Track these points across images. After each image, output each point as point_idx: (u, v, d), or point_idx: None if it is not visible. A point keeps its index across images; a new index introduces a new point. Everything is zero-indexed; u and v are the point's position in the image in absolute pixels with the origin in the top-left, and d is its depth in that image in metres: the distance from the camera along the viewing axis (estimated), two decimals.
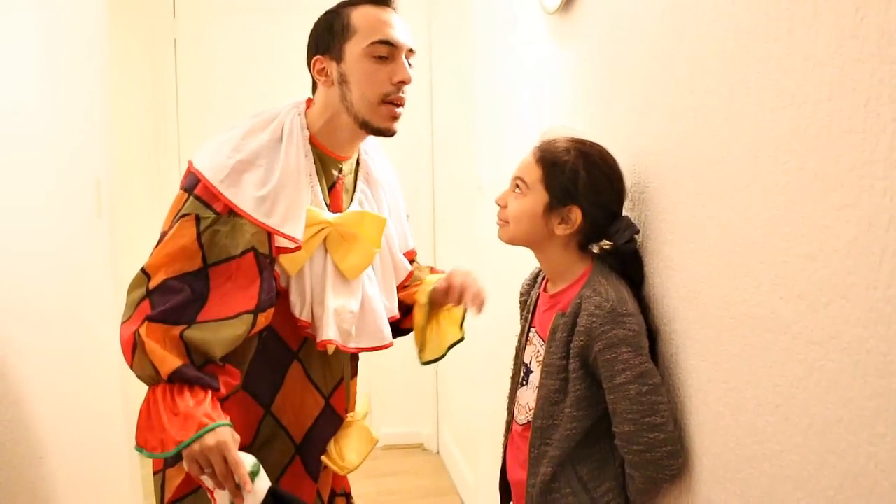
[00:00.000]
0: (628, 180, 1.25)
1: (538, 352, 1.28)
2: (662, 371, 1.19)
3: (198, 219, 1.23)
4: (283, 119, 1.32)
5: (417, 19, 3.39)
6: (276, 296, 1.29)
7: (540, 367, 1.25)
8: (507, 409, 1.38)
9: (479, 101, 2.43)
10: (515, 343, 1.40)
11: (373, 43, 1.28)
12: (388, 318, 1.44)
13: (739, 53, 0.97)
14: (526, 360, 1.33)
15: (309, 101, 1.38)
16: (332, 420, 1.44)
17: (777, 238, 0.90)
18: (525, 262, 1.43)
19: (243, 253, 1.24)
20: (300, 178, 1.29)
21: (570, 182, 1.19)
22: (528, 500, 1.26)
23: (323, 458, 1.42)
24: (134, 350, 1.19)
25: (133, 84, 3.25)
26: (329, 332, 1.32)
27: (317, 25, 1.36)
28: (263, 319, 1.27)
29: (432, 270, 1.64)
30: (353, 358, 1.50)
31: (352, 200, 1.42)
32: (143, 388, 1.24)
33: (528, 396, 1.29)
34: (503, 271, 1.94)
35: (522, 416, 1.31)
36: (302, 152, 1.31)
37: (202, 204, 1.24)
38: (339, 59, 1.31)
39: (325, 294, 1.33)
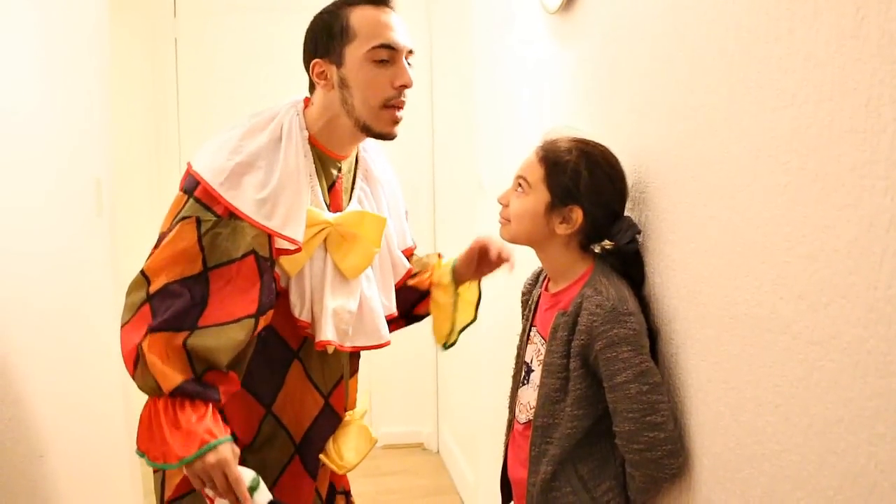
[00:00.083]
0: (629, 180, 1.25)
1: (539, 351, 1.28)
2: (663, 371, 1.19)
3: (198, 221, 1.23)
4: (282, 119, 1.32)
5: (417, 19, 3.39)
6: (276, 296, 1.30)
7: (541, 366, 1.25)
8: (509, 407, 1.38)
9: (480, 101, 2.43)
10: (516, 342, 1.40)
11: (374, 47, 1.27)
12: (386, 316, 1.44)
13: (740, 53, 0.97)
14: (527, 360, 1.33)
15: (307, 101, 1.38)
16: (331, 419, 1.44)
17: (778, 238, 0.90)
18: (527, 261, 1.43)
19: (244, 256, 1.24)
20: (300, 179, 1.29)
21: (571, 182, 1.20)
22: (529, 498, 1.26)
23: (321, 456, 1.43)
24: (136, 363, 1.19)
25: (134, 83, 3.25)
26: (327, 333, 1.32)
27: (314, 26, 1.34)
28: (263, 321, 1.27)
29: (439, 256, 1.65)
30: (354, 356, 1.50)
31: (351, 199, 1.42)
32: None
33: (530, 395, 1.29)
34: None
35: (523, 415, 1.31)
36: (301, 153, 1.30)
37: (202, 206, 1.24)
38: (339, 63, 1.30)
39: (324, 294, 1.33)
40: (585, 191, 1.20)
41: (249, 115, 1.34)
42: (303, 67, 1.37)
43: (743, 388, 0.99)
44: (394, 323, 1.55)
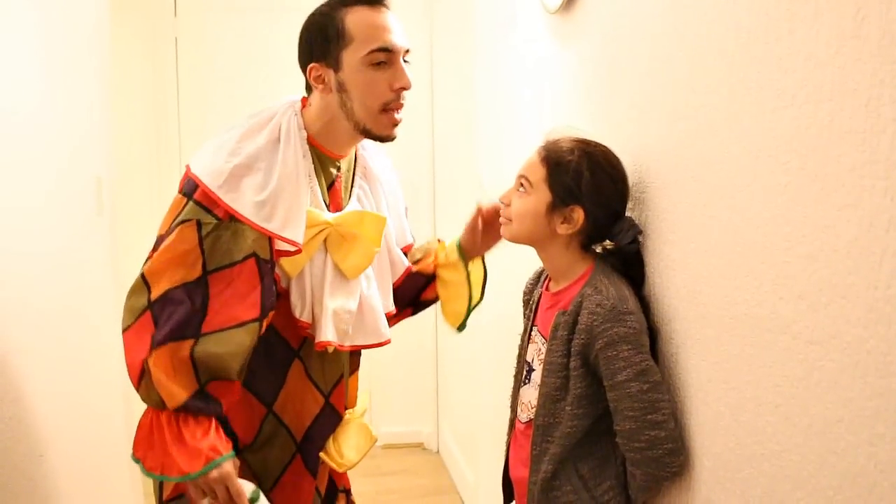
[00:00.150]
0: (629, 180, 1.25)
1: (540, 350, 1.28)
2: (663, 370, 1.19)
3: (199, 224, 1.23)
4: (280, 120, 1.31)
5: (418, 18, 3.39)
6: (277, 297, 1.30)
7: (541, 365, 1.25)
8: (510, 407, 1.39)
9: (480, 101, 2.43)
10: (515, 342, 1.40)
11: (371, 51, 1.26)
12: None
13: (740, 53, 0.97)
14: (528, 359, 1.33)
15: (304, 100, 1.37)
16: (331, 418, 1.44)
17: (777, 238, 0.90)
18: (528, 261, 1.43)
19: (245, 258, 1.24)
20: (299, 180, 1.28)
21: (573, 182, 1.20)
22: (530, 497, 1.26)
23: (321, 454, 1.43)
24: (141, 378, 1.21)
25: (134, 83, 3.25)
26: (327, 334, 1.32)
27: (308, 28, 1.32)
28: (265, 323, 1.27)
29: (440, 241, 1.64)
30: (354, 354, 1.50)
31: (350, 197, 1.42)
32: None
33: (531, 394, 1.29)
34: (505, 270, 1.94)
35: (525, 415, 1.32)
36: (300, 153, 1.30)
37: (203, 209, 1.24)
38: (336, 67, 1.28)
39: (323, 294, 1.33)
40: (587, 191, 1.20)
41: (247, 115, 1.34)
42: None
43: (743, 387, 0.99)
44: (401, 313, 1.56)
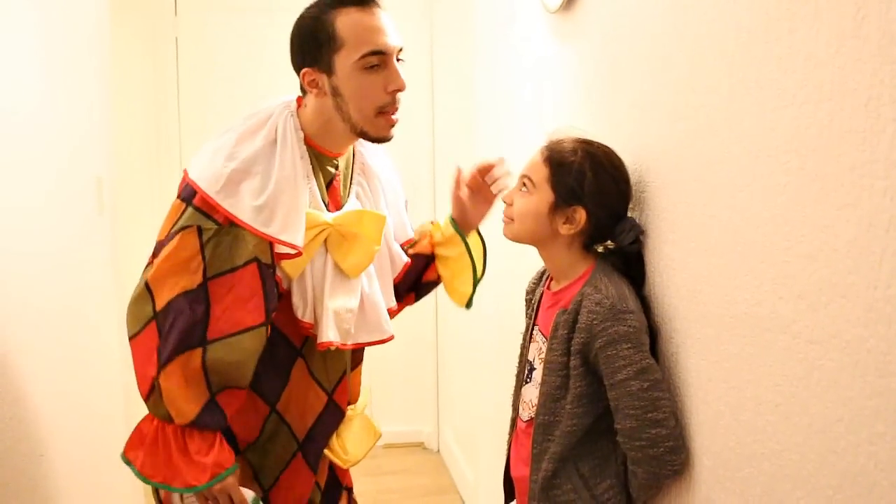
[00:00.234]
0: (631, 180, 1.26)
1: (541, 349, 1.29)
2: (663, 370, 1.19)
3: (199, 230, 1.23)
4: (276, 121, 1.30)
5: (418, 18, 3.39)
6: (279, 298, 1.30)
7: (542, 364, 1.25)
8: (512, 406, 1.39)
9: (480, 100, 2.43)
10: (516, 342, 1.40)
11: (363, 56, 1.25)
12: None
13: (740, 53, 0.97)
14: (530, 358, 1.33)
15: (300, 100, 1.36)
16: (334, 415, 1.44)
17: (777, 238, 0.90)
18: (528, 261, 1.43)
19: (246, 263, 1.24)
20: (297, 182, 1.28)
21: (576, 183, 1.20)
22: (530, 496, 1.26)
23: (326, 451, 1.43)
24: (150, 392, 1.23)
25: (134, 82, 3.25)
26: (329, 334, 1.32)
27: (299, 32, 1.31)
28: (269, 327, 1.28)
29: (432, 223, 1.63)
30: (357, 350, 1.50)
31: (349, 195, 1.42)
32: None
33: (532, 393, 1.29)
34: (506, 270, 1.94)
35: (526, 413, 1.32)
36: (297, 154, 1.29)
37: (202, 215, 1.23)
38: (329, 72, 1.28)
39: (324, 294, 1.33)
40: (589, 192, 1.20)
41: (243, 116, 1.33)
42: None
43: (743, 387, 0.99)
44: (403, 302, 1.56)
